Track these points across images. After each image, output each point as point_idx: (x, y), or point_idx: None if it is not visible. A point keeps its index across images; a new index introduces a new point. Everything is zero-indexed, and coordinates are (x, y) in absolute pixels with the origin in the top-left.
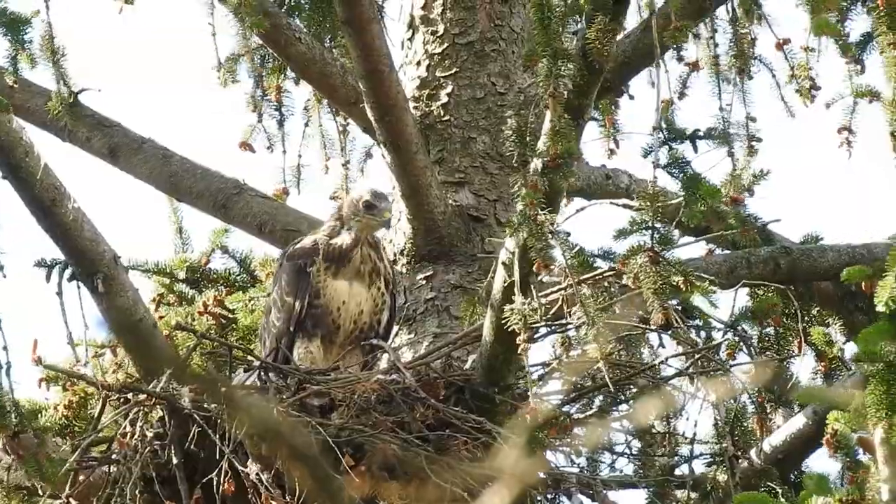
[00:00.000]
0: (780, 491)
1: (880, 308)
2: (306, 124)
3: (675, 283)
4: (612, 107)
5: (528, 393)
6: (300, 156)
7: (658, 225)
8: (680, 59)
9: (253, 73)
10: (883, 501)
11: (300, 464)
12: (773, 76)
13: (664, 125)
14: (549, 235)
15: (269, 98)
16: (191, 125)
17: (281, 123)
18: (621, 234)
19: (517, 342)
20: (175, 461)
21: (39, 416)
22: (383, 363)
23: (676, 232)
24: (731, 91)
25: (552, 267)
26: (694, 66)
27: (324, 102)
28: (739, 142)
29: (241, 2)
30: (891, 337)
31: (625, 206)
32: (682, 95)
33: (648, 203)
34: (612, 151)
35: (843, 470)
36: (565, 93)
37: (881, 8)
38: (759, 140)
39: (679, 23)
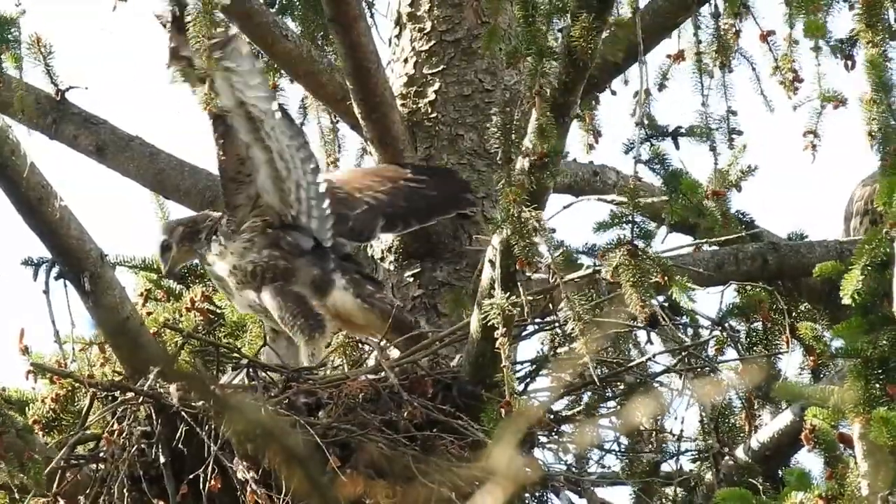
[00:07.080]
0: (760, 487)
1: (846, 301)
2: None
3: (654, 278)
4: (594, 102)
5: (505, 389)
6: None
7: (638, 219)
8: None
9: None
10: (863, 497)
11: (290, 464)
12: (754, 69)
13: (646, 121)
14: (534, 233)
15: None
16: (182, 124)
17: None
18: (601, 227)
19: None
20: (162, 459)
21: (28, 408)
22: (371, 361)
23: (664, 229)
24: (713, 86)
25: (537, 264)
26: (678, 58)
27: None
28: (721, 136)
29: None
30: (864, 332)
31: (612, 202)
32: (661, 87)
33: (629, 197)
34: (590, 146)
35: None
36: (549, 91)
37: (861, 5)
38: (740, 133)
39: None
